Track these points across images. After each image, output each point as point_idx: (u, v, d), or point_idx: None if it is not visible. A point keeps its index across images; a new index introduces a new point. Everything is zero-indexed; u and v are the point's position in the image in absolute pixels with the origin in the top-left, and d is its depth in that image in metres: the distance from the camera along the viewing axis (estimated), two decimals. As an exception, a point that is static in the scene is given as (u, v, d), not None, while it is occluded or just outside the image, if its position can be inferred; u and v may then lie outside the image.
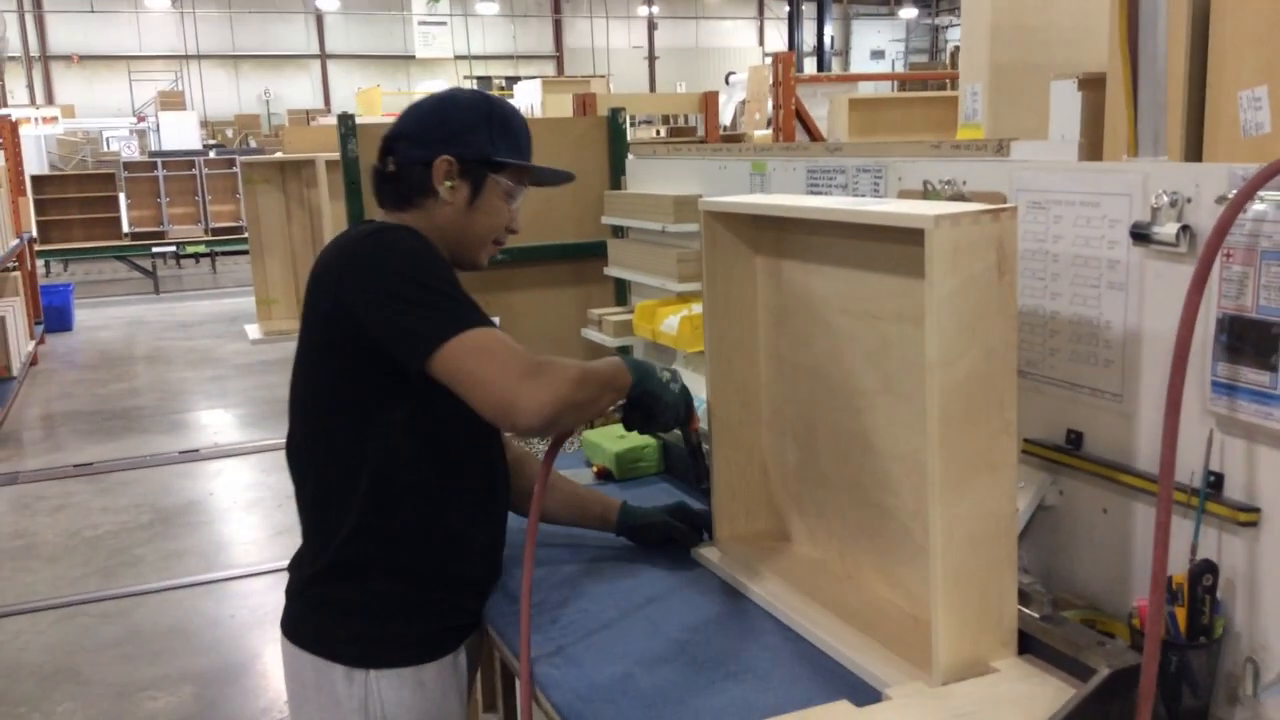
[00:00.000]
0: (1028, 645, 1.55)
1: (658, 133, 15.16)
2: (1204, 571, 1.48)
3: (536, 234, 3.30)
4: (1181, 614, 1.50)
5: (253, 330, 4.36)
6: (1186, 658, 1.48)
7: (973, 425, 1.45)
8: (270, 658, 4.21)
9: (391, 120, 1.97)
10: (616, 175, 3.34)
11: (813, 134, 5.83)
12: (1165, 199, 1.53)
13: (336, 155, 3.77)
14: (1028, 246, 1.79)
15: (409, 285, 1.68)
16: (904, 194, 2.08)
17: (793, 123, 5.62)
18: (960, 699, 1.46)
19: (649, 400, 1.81)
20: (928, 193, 1.98)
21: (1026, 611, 1.56)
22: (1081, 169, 1.73)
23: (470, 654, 1.99)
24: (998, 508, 1.48)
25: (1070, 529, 1.77)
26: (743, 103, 12.10)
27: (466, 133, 1.86)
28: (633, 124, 16.96)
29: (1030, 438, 1.81)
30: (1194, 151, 3.13)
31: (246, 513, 5.88)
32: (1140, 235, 1.57)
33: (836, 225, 1.73)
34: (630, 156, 3.31)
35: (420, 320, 1.66)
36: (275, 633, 4.52)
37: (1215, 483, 1.52)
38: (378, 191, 1.91)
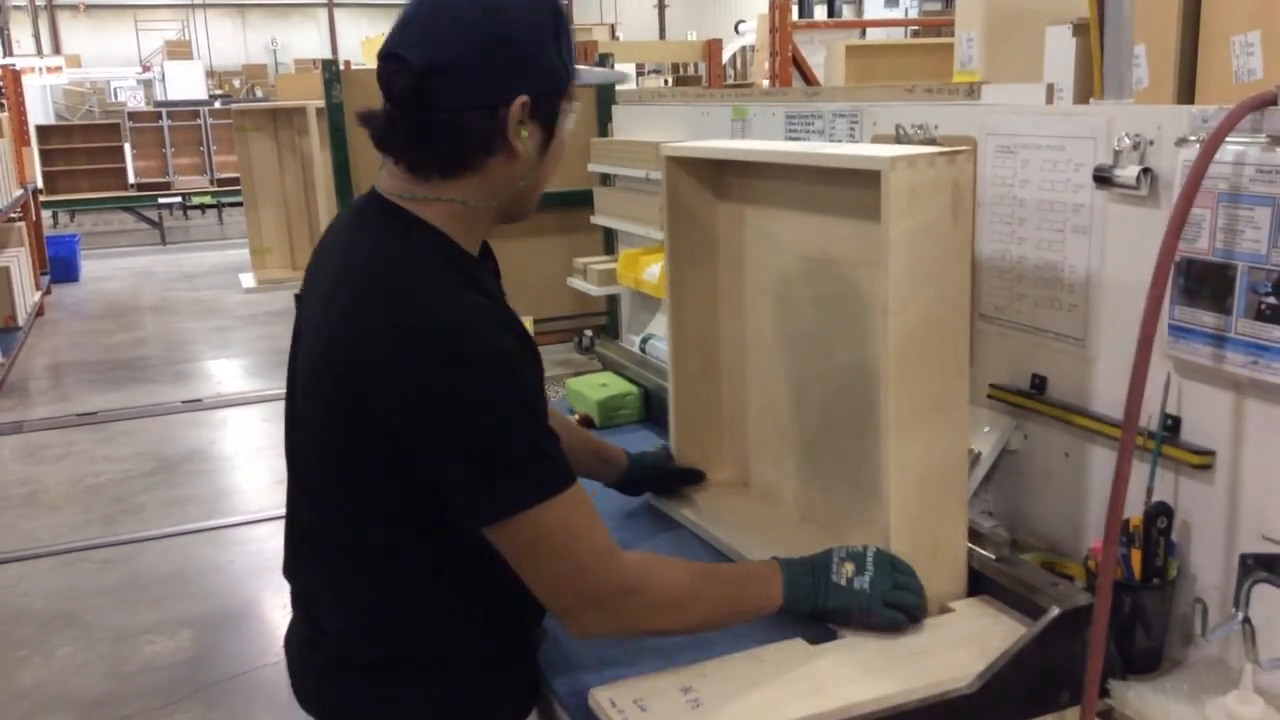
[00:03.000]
0: (984, 586, 1.57)
1: (665, 82, 15.01)
2: (1159, 514, 1.49)
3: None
4: (1137, 556, 1.51)
5: (247, 279, 4.37)
6: (1140, 599, 1.49)
7: (927, 367, 1.46)
8: (268, 604, 4.26)
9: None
10: (604, 123, 3.33)
11: (809, 81, 5.77)
12: (1127, 141, 1.52)
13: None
14: (996, 191, 1.78)
15: (484, 424, 1.29)
16: (877, 138, 2.06)
17: (789, 70, 5.56)
18: (913, 637, 1.48)
19: (828, 620, 1.50)
20: (900, 137, 1.96)
21: (982, 552, 1.58)
22: (1048, 112, 1.72)
23: None
24: (950, 449, 1.50)
25: (1033, 472, 1.78)
26: (749, 48, 11.97)
27: (538, 54, 1.37)
28: (641, 74, 16.80)
29: (995, 382, 1.81)
30: (1187, 95, 3.10)
31: (248, 461, 5.93)
32: (1102, 178, 1.56)
33: (797, 170, 1.73)
34: (617, 105, 3.30)
35: (490, 476, 1.30)
36: (273, 579, 4.57)
37: (1173, 426, 1.52)
38: (409, 155, 1.38)
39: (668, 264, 1.96)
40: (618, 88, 3.25)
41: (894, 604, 1.47)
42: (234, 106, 4.22)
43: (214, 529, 5.00)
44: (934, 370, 1.46)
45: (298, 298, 1.56)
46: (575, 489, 1.34)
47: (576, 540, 1.34)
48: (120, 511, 5.23)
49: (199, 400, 7.02)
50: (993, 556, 1.57)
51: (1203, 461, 1.47)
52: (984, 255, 1.82)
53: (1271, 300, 1.34)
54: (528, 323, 3.04)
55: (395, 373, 1.29)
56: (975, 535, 1.60)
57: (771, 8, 5.69)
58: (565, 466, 1.34)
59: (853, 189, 1.59)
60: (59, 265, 11.01)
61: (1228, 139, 1.34)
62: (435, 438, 1.30)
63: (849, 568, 1.48)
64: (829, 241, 1.71)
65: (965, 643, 1.46)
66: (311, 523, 1.49)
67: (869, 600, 1.46)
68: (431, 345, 1.28)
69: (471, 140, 1.34)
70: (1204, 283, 1.43)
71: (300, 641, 1.58)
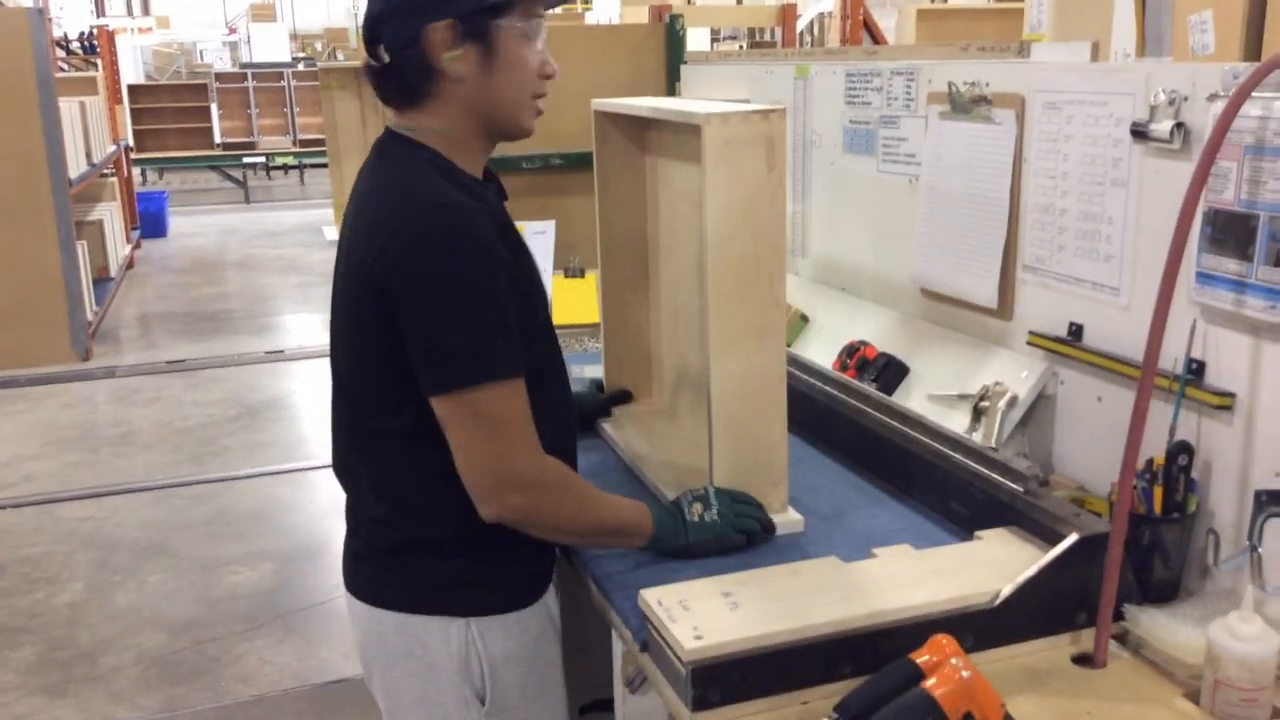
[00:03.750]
0: (1011, 518, 1.66)
1: (740, 47, 14.99)
2: (1180, 451, 1.58)
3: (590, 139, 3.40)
4: (1158, 493, 1.60)
5: (330, 232, 4.55)
6: (1159, 531, 1.58)
7: (744, 297, 1.67)
8: (341, 541, 4.47)
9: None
10: (672, 83, 3.43)
11: (878, 44, 5.79)
12: (1163, 97, 1.60)
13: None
14: (1041, 146, 1.87)
15: (455, 302, 1.48)
16: (933, 96, 2.14)
17: (860, 33, 5.59)
18: (941, 560, 1.59)
19: (680, 556, 1.67)
20: (952, 94, 2.05)
21: (1011, 486, 1.67)
22: (1091, 69, 1.79)
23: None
24: (767, 368, 1.73)
25: (1067, 416, 1.87)
26: (826, 14, 11.90)
27: None
28: (717, 39, 16.76)
29: (1036, 330, 1.90)
30: (1253, 53, 3.11)
31: (326, 410, 6.17)
32: (1139, 133, 1.64)
33: (677, 124, 1.87)
34: (685, 64, 3.39)
35: (444, 348, 1.48)
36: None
37: (1197, 370, 1.60)
38: (382, 94, 1.62)
39: (598, 208, 2.17)
40: (731, 49, 3.34)
41: (741, 529, 1.69)
42: (319, 66, 4.37)
43: (294, 471, 5.24)
44: (751, 299, 1.69)
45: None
46: (516, 382, 1.51)
47: (512, 426, 1.51)
48: (207, 453, 5.50)
49: (281, 351, 7.29)
50: (1021, 489, 1.66)
51: (1223, 403, 1.55)
52: (1028, 208, 1.90)
53: (1290, 248, 1.42)
54: (591, 276, 3.19)
55: (394, 249, 1.49)
56: (1005, 469, 1.69)
57: (843, -29, 5.73)
58: (513, 358, 1.50)
59: (697, 140, 1.70)
60: (148, 221, 11.41)
61: (1254, 93, 1.41)
62: (410, 305, 1.48)
63: (698, 507, 1.68)
64: (695, 188, 1.84)
65: (990, 566, 1.56)
66: (348, 419, 1.68)
67: (721, 529, 1.67)
68: (420, 223, 1.49)
69: (410, 71, 1.55)
70: (1229, 232, 1.50)
71: (347, 533, 1.78)
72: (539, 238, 3.29)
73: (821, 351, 2.35)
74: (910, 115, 2.22)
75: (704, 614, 1.44)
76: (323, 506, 4.82)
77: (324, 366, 7.26)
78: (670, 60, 3.48)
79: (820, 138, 2.57)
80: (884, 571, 1.56)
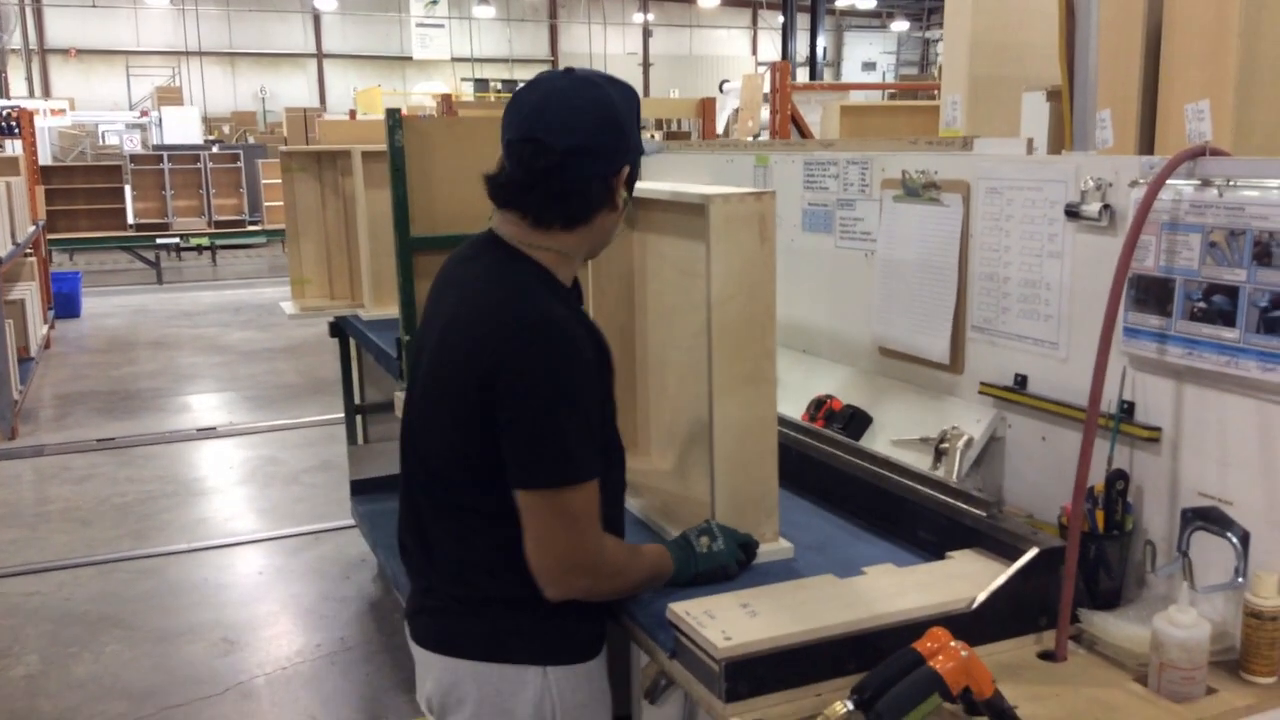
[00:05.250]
0: (976, 539, 1.93)
1: (652, 136, 15.54)
2: (1117, 478, 1.87)
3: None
4: (1100, 515, 1.88)
5: (289, 306, 4.69)
6: (1102, 546, 1.86)
7: (741, 349, 1.95)
8: (295, 609, 4.56)
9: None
10: (630, 168, 3.71)
11: (804, 136, 6.23)
12: (1092, 183, 1.92)
13: (371, 146, 4.15)
14: (985, 224, 2.18)
15: (553, 411, 1.68)
16: (886, 182, 2.46)
17: (788, 127, 6.01)
18: (921, 575, 1.84)
19: (690, 581, 1.87)
20: (905, 180, 2.36)
21: (975, 511, 1.94)
22: (1028, 160, 2.12)
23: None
24: (761, 412, 1.99)
25: (1015, 455, 2.16)
26: (736, 110, 12.49)
27: (633, 135, 1.79)
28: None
29: (985, 380, 2.19)
30: (1147, 148, 3.53)
31: (261, 485, 6.22)
32: (1072, 213, 1.96)
33: (672, 204, 2.16)
34: (644, 154, 3.67)
35: (538, 451, 1.68)
36: (299, 587, 4.86)
37: (1128, 409, 1.90)
38: (533, 207, 1.76)
39: (590, 280, 2.43)
40: (644, 137, 3.64)
41: (743, 561, 1.92)
42: (281, 150, 4.57)
43: (237, 545, 5.28)
44: (747, 352, 1.95)
45: (410, 336, 1.94)
46: (593, 483, 1.72)
47: (585, 521, 1.72)
48: (149, 528, 5.51)
49: (214, 428, 7.31)
50: (984, 514, 1.93)
51: (1151, 435, 1.85)
52: (975, 276, 2.21)
53: (1202, 305, 1.73)
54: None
55: (502, 354, 1.68)
56: (969, 498, 1.96)
57: (772, 70, 6.16)
58: (593, 465, 1.72)
59: (699, 218, 1.99)
60: (61, 301, 11.29)
61: (1168, 181, 1.74)
62: (511, 408, 1.68)
63: (705, 539, 1.90)
64: (692, 258, 2.11)
65: (964, 578, 1.82)
66: (431, 493, 1.85)
67: (725, 559, 1.89)
68: (529, 335, 1.68)
69: (594, 202, 1.77)
70: (1150, 293, 1.82)
71: (416, 591, 1.93)
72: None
73: (789, 406, 2.61)
74: (865, 199, 2.54)
75: (728, 620, 1.67)
76: (271, 578, 4.89)
77: (257, 442, 7.26)
78: (627, 148, 3.77)
79: (780, 219, 2.86)
80: (875, 585, 1.81)
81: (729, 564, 1.91)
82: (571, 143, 1.70)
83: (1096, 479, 1.88)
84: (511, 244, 1.80)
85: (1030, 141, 2.18)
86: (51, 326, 10.39)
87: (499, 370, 1.67)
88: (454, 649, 1.83)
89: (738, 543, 1.94)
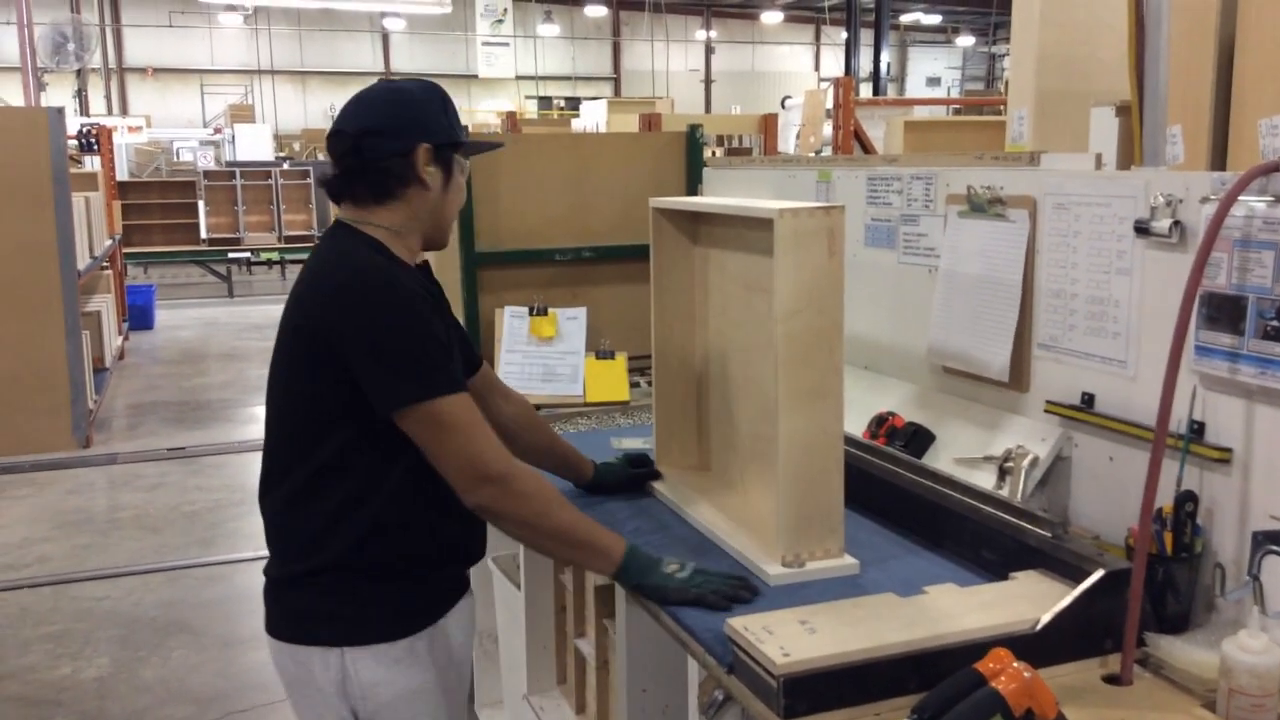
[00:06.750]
0: (1040, 560, 1.90)
1: (713, 153, 15.58)
2: (1186, 500, 1.83)
3: (619, 235, 3.69)
4: (1169, 537, 1.85)
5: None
6: (1170, 569, 1.83)
7: (808, 363, 1.93)
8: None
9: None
10: (693, 185, 3.73)
11: (868, 152, 6.19)
12: (1162, 199, 1.89)
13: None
14: (1052, 240, 2.15)
15: (393, 335, 1.82)
16: (951, 198, 2.44)
17: (851, 142, 5.99)
18: (984, 595, 1.82)
19: (645, 592, 1.91)
20: (970, 196, 2.34)
21: (1040, 532, 1.91)
22: (1097, 176, 2.09)
23: (466, 618, 2.09)
24: (827, 427, 1.98)
25: (1082, 475, 2.12)
26: (800, 126, 12.46)
27: (432, 120, 1.96)
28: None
29: (1052, 399, 2.16)
30: (1219, 164, 3.46)
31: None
32: (1141, 229, 1.93)
33: (738, 218, 2.18)
34: (706, 168, 3.70)
35: (396, 370, 1.81)
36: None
37: (1198, 429, 1.87)
38: (348, 190, 1.96)
39: (654, 293, 2.44)
40: (706, 154, 3.66)
41: (715, 590, 1.88)
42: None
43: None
44: (814, 366, 1.94)
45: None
46: (463, 396, 1.85)
47: (470, 429, 1.84)
48: (216, 535, 5.63)
49: (279, 439, 7.44)
50: (1049, 535, 1.90)
51: (1222, 456, 1.81)
52: (1042, 293, 2.19)
53: (1275, 323, 1.69)
54: (620, 358, 3.47)
55: (338, 303, 1.85)
56: (1034, 518, 1.94)
57: (835, 85, 6.15)
58: (454, 377, 1.86)
59: (766, 232, 1.98)
60: (136, 313, 11.58)
61: (1240, 197, 1.71)
62: (360, 346, 1.82)
63: (674, 565, 1.92)
64: (758, 273, 2.12)
65: (1028, 599, 1.79)
66: (281, 459, 1.96)
67: (685, 584, 1.88)
68: (363, 283, 1.85)
69: (391, 174, 1.93)
70: (1222, 311, 1.78)
71: (270, 563, 2.01)
72: (571, 322, 3.55)
73: (851, 423, 2.58)
74: (930, 214, 2.52)
75: (787, 636, 1.66)
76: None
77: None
78: (690, 165, 3.79)
79: (842, 234, 2.86)
80: (937, 604, 1.79)
81: (686, 589, 1.88)
82: (361, 125, 1.92)
83: (1165, 500, 1.84)
84: (349, 224, 1.97)
85: (1099, 156, 2.15)
86: (126, 338, 10.66)
87: (336, 313, 1.83)
88: (275, 631, 1.99)
89: (727, 579, 1.91)
